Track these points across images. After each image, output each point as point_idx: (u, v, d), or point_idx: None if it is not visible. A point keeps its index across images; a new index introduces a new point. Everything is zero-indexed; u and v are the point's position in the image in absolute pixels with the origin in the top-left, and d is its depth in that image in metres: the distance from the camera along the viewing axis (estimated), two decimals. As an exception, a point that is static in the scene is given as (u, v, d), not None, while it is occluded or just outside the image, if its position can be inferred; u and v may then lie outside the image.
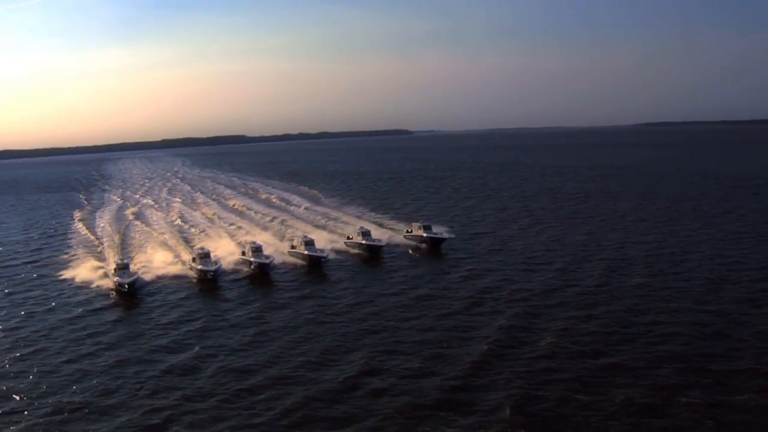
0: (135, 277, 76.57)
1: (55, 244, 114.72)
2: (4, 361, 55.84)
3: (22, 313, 70.65)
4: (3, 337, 62.52)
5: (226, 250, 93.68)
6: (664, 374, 46.59)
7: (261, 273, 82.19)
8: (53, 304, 73.48)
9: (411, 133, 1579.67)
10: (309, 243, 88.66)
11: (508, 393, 44.03)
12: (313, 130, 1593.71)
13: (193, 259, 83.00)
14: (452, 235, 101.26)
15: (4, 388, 49.65)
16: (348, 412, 42.59)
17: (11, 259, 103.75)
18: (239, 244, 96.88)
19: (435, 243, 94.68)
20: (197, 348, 56.60)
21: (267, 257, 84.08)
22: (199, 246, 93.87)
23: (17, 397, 47.91)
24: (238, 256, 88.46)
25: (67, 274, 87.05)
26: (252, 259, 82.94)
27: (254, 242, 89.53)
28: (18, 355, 57.21)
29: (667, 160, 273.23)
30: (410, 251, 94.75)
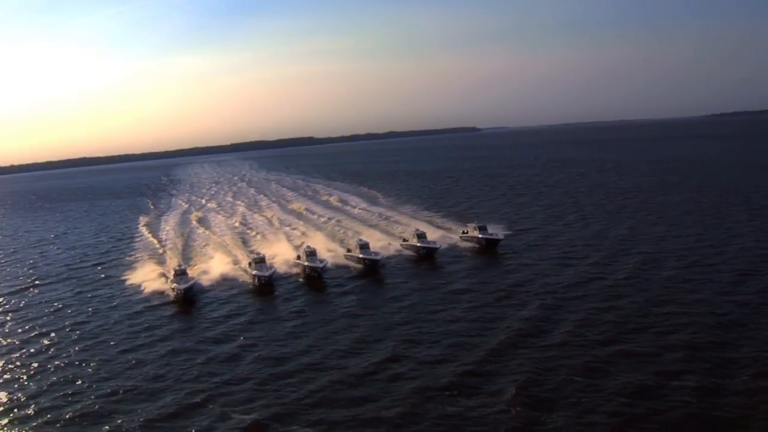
0: (192, 282, 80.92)
1: (121, 248, 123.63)
2: (70, 351, 62.88)
3: (89, 309, 78.22)
4: (70, 330, 69.88)
5: (282, 254, 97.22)
6: (667, 360, 49.16)
7: (315, 277, 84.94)
8: (116, 302, 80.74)
9: (479, 130, 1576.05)
10: (364, 246, 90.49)
11: (514, 377, 47.52)
12: (381, 130, 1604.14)
13: (249, 264, 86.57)
14: (508, 232, 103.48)
15: (70, 375, 56.22)
16: (366, 393, 46.99)
17: (82, 261, 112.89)
18: (295, 247, 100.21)
19: (490, 244, 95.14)
20: (241, 339, 62.01)
21: (321, 261, 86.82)
22: (255, 251, 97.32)
23: (80, 381, 54.40)
24: (293, 260, 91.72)
25: (130, 276, 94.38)
26: (306, 263, 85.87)
27: (308, 246, 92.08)
28: (83, 345, 64.35)
29: (730, 151, 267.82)
30: (465, 252, 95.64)
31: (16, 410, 49.75)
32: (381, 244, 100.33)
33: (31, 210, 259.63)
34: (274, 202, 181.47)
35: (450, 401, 44.40)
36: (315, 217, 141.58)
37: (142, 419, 46.10)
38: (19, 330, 71.94)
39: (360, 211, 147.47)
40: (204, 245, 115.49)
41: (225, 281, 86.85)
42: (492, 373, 48.96)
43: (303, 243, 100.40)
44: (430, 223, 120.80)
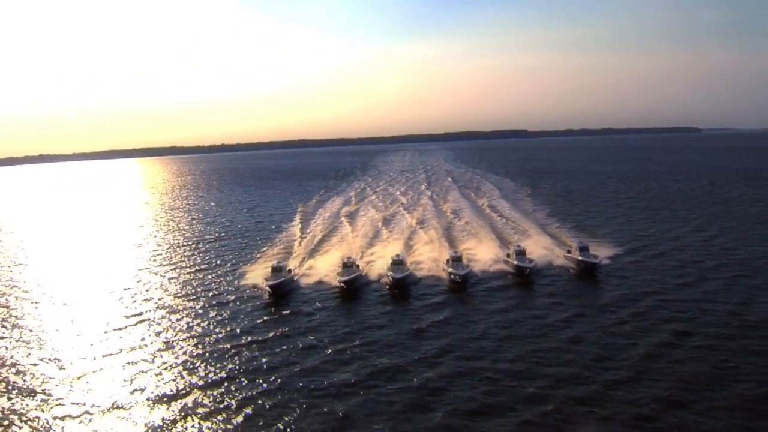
0: (281, 280, 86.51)
1: (285, 220, 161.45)
2: (222, 279, 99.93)
3: (246, 255, 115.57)
4: (224, 263, 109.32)
5: (385, 260, 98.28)
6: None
7: (397, 286, 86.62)
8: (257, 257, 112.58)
9: (700, 131, 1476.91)
10: (456, 260, 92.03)
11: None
12: (597, 126, 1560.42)
13: (340, 267, 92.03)
14: (605, 261, 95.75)
15: (231, 281, 76.47)
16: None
17: (254, 227, 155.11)
18: (396, 254, 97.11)
19: (588, 268, 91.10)
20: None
21: (405, 270, 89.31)
22: (346, 256, 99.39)
23: (216, 290, 74.39)
24: (385, 269, 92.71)
25: (268, 248, 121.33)
26: (389, 273, 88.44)
27: (397, 255, 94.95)
28: (231, 274, 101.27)
29: None
30: (562, 274, 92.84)
31: (179, 301, 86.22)
32: (485, 255, 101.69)
33: (240, 186, 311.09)
34: (431, 201, 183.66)
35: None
36: (450, 221, 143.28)
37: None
38: (198, 265, 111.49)
39: (498, 217, 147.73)
40: (331, 241, 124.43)
41: (322, 286, 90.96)
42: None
43: (393, 254, 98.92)
44: (550, 234, 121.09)
